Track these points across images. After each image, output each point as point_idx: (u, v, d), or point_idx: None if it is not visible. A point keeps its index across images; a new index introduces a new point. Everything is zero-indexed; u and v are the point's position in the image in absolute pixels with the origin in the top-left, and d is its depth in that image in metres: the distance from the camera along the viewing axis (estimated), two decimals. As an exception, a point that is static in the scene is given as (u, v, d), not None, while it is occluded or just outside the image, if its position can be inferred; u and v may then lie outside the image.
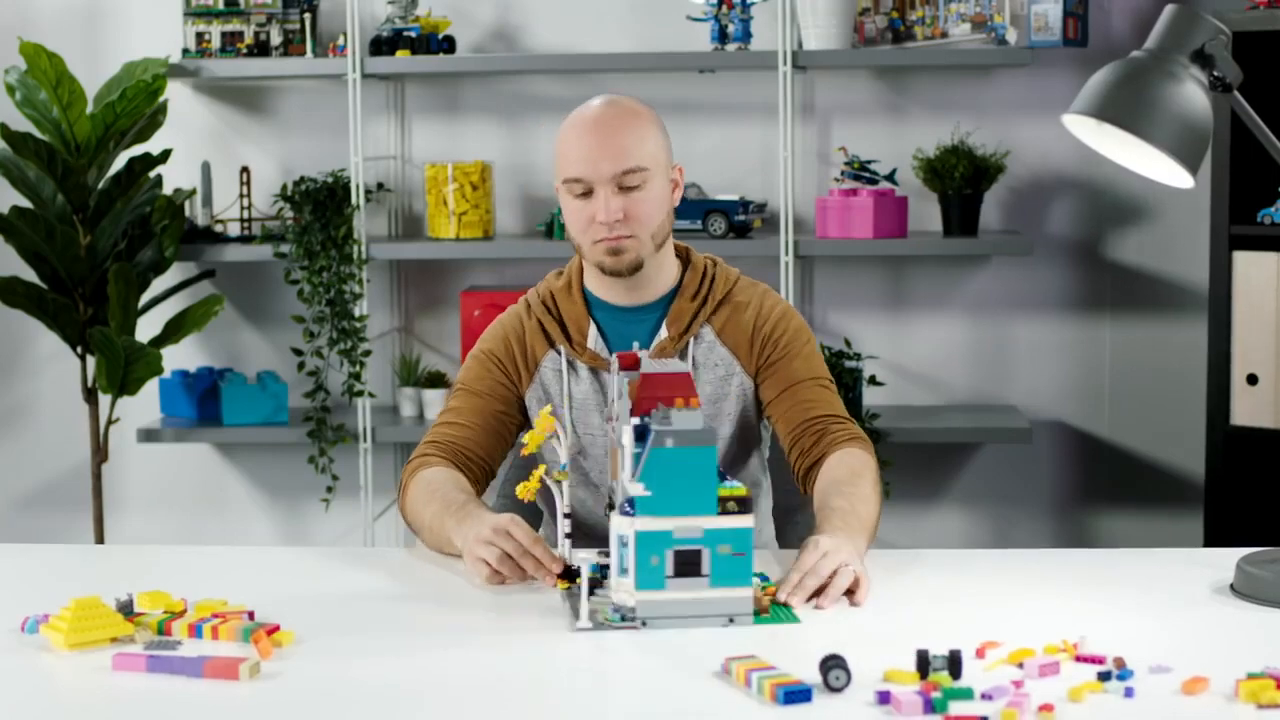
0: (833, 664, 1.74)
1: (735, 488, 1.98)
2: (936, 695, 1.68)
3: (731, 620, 1.98)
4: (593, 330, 2.54)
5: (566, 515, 2.19)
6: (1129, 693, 1.72)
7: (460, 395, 2.57)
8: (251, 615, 2.03)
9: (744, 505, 1.97)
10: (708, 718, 1.70)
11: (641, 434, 1.99)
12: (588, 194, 2.45)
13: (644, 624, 1.97)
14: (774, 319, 2.54)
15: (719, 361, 2.53)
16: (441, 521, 2.32)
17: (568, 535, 2.19)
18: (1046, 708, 1.65)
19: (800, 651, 1.83)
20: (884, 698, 1.71)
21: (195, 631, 1.98)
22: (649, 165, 2.45)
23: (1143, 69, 2.07)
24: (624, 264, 2.47)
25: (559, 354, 2.54)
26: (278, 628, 1.96)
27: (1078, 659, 1.83)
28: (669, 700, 1.76)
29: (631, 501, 1.96)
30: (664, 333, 2.52)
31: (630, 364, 2.11)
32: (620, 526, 1.98)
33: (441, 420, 2.56)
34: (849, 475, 2.36)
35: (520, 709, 1.73)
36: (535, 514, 2.69)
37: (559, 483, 2.16)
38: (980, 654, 1.85)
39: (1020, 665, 1.81)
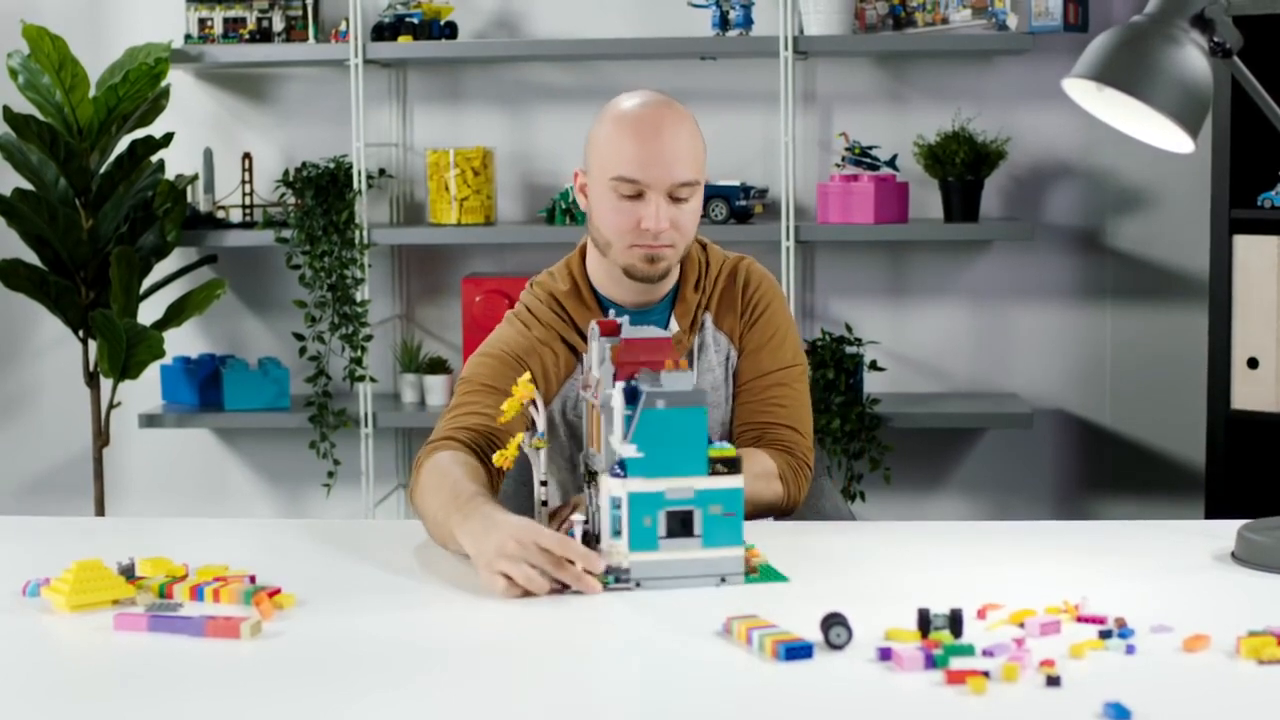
0: (834, 621, 1.74)
1: (724, 448, 2.00)
2: (938, 652, 1.68)
3: (723, 579, 1.99)
4: None
5: (543, 483, 2.13)
6: (1130, 650, 1.72)
7: (479, 391, 2.40)
8: (253, 579, 2.03)
9: (732, 466, 1.98)
10: (710, 675, 1.70)
11: (632, 396, 1.99)
12: (637, 196, 2.37)
13: (638, 585, 1.98)
14: (754, 300, 2.52)
15: (719, 344, 2.52)
16: (447, 515, 2.14)
17: (544, 503, 2.13)
18: (1048, 663, 1.65)
19: (801, 611, 1.83)
20: (885, 654, 1.70)
21: (197, 594, 1.98)
22: (699, 179, 2.41)
23: (1143, 33, 2.07)
24: (657, 271, 2.42)
25: (582, 367, 2.42)
26: (279, 590, 1.96)
27: (1079, 619, 1.83)
28: (671, 659, 1.76)
29: (623, 463, 1.96)
30: (675, 326, 2.49)
31: (610, 330, 2.10)
32: (613, 488, 1.98)
33: (459, 411, 2.39)
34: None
35: (521, 669, 1.73)
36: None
37: (537, 450, 2.13)
38: (981, 615, 1.85)
39: (1021, 625, 1.81)
